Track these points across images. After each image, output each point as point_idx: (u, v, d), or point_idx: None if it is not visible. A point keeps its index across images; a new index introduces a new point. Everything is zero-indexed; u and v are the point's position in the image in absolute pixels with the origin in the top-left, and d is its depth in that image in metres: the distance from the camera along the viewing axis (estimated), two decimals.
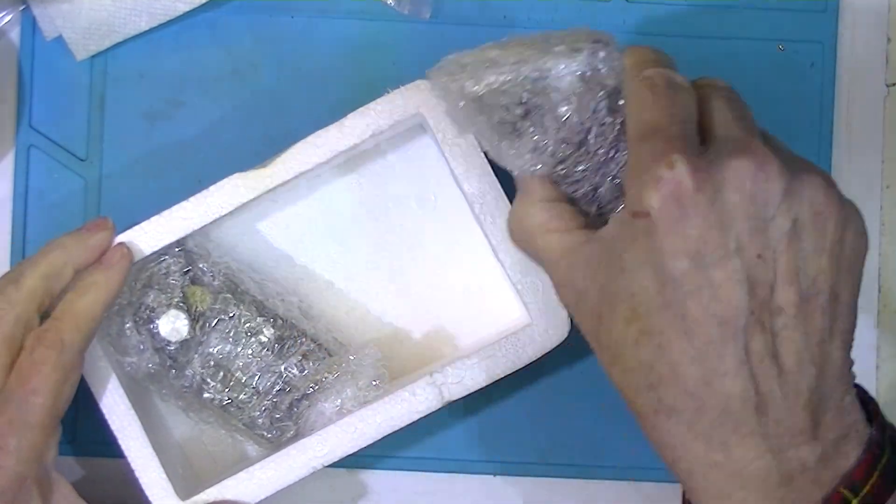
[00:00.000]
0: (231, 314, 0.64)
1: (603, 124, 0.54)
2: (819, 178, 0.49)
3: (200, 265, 0.64)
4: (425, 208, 0.69)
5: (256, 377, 0.64)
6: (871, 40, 0.72)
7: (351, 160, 0.68)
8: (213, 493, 0.63)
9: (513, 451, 0.71)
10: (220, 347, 0.63)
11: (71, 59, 0.69)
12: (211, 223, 0.63)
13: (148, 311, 0.63)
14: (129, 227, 0.63)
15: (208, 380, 0.63)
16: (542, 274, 0.63)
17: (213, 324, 0.63)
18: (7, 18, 0.70)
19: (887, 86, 0.72)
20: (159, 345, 0.63)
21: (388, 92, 0.64)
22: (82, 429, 0.70)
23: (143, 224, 0.63)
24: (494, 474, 0.72)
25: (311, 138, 0.63)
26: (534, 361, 0.64)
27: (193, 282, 0.64)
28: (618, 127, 0.54)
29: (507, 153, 0.56)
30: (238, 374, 0.63)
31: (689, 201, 0.47)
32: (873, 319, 0.72)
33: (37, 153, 0.70)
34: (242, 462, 0.68)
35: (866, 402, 0.52)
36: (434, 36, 0.71)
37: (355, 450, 0.63)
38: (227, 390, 0.63)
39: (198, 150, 0.70)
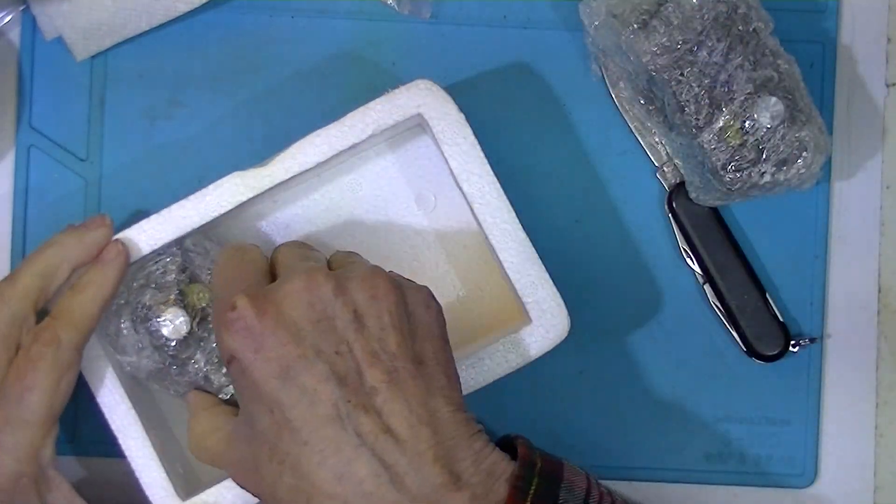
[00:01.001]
0: None
1: (718, 36, 0.63)
2: (362, 270, 0.55)
3: (198, 263, 0.64)
4: (425, 208, 0.69)
5: None
6: (871, 40, 0.72)
7: (351, 160, 0.68)
8: (213, 492, 0.63)
9: None
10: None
11: (71, 59, 0.69)
12: (210, 222, 0.63)
13: (145, 310, 0.62)
14: (129, 226, 0.63)
15: (211, 376, 0.63)
16: (543, 273, 0.64)
17: (211, 318, 0.63)
18: (7, 18, 0.70)
19: (887, 86, 0.72)
20: (158, 342, 0.62)
21: (389, 91, 0.64)
22: (82, 429, 0.70)
23: (143, 223, 0.63)
24: None
25: (310, 137, 0.63)
26: (534, 361, 0.64)
27: (192, 280, 0.64)
28: (730, 41, 0.63)
29: (637, 42, 0.64)
30: None
31: (257, 330, 0.52)
32: (873, 319, 0.72)
33: (37, 153, 0.70)
34: None
35: (513, 444, 0.55)
36: (434, 36, 0.71)
37: None
38: (231, 385, 0.63)
39: (198, 150, 0.71)
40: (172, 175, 0.70)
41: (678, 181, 0.70)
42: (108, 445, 0.64)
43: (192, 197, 0.63)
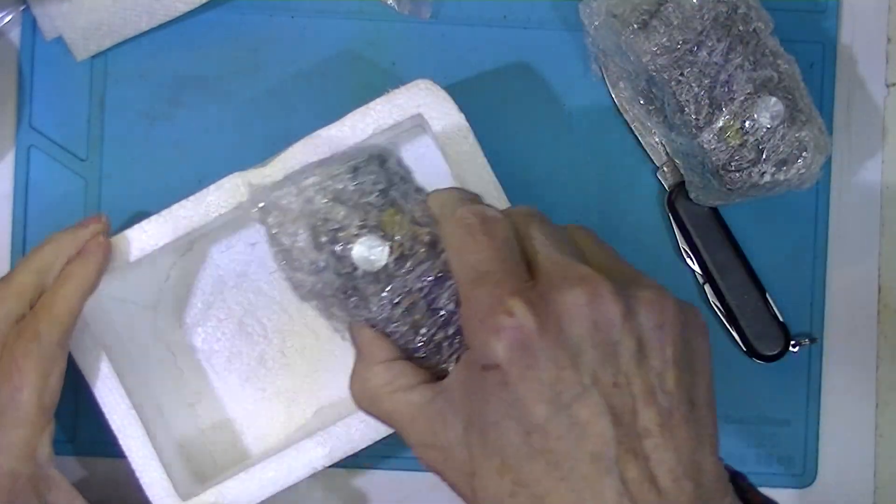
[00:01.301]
0: (437, 249, 0.54)
1: (718, 36, 0.63)
2: (650, 290, 0.48)
3: (402, 189, 0.55)
4: None
5: (454, 328, 0.54)
6: (871, 40, 0.72)
7: None
8: (213, 493, 0.63)
9: None
10: (419, 285, 0.54)
11: (71, 59, 0.70)
12: (211, 222, 0.63)
13: (334, 231, 0.54)
14: (129, 226, 0.63)
15: (393, 322, 0.55)
16: None
17: (413, 257, 0.54)
18: (7, 18, 0.70)
19: (887, 86, 0.72)
20: (344, 269, 0.54)
21: (389, 91, 0.64)
22: (82, 429, 0.70)
23: (143, 223, 0.63)
24: None
25: (310, 138, 0.63)
26: None
27: (392, 205, 0.55)
28: (730, 41, 0.63)
29: (637, 42, 0.64)
30: (428, 320, 0.55)
31: (536, 345, 0.46)
32: (873, 319, 0.72)
33: (37, 153, 0.70)
34: (243, 461, 0.68)
35: (743, 487, 0.51)
36: (434, 36, 0.71)
37: (355, 451, 0.63)
38: (417, 336, 0.54)
39: (198, 150, 0.71)
40: (172, 175, 0.70)
41: (678, 181, 0.70)
42: (108, 445, 0.64)
43: (192, 197, 0.63)
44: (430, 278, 0.54)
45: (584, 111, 0.71)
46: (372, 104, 0.63)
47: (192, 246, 0.68)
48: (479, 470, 0.48)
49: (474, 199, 0.53)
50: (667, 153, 0.70)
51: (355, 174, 0.54)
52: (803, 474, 0.72)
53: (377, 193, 0.54)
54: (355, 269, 0.53)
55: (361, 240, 0.53)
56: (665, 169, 0.70)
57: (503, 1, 0.71)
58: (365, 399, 0.53)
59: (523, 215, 0.51)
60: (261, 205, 0.55)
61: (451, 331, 0.54)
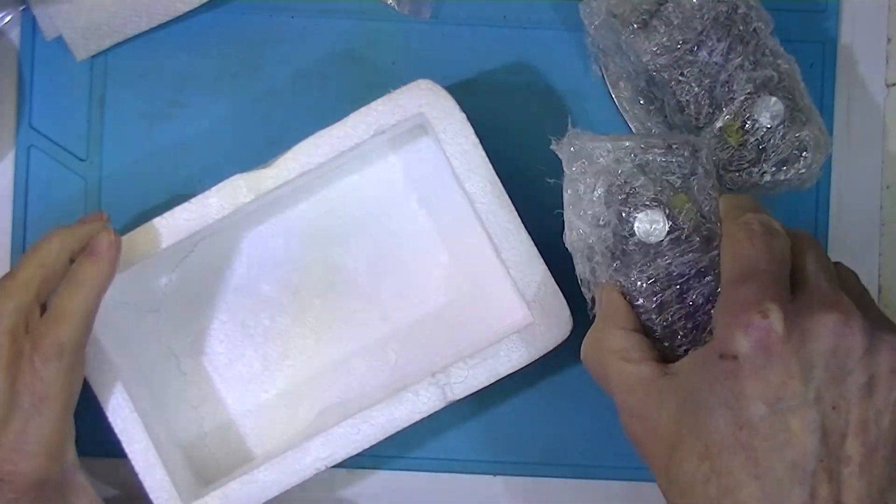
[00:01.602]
0: (711, 245, 0.57)
1: (718, 36, 0.63)
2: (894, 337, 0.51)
3: (701, 182, 0.58)
4: (427, 208, 0.69)
5: (694, 322, 0.57)
6: (871, 40, 0.73)
7: (353, 161, 0.68)
8: (217, 495, 0.63)
9: (513, 451, 0.71)
10: (680, 271, 0.57)
11: (71, 59, 0.69)
12: (213, 223, 0.63)
13: (627, 194, 0.57)
14: (130, 228, 0.63)
15: (643, 296, 0.57)
16: (545, 273, 0.64)
17: (687, 243, 0.57)
18: (7, 18, 0.70)
19: (887, 86, 0.73)
20: (622, 232, 0.57)
21: (390, 91, 0.64)
22: (82, 428, 0.70)
23: (145, 226, 0.63)
24: (495, 474, 0.72)
25: (312, 138, 0.63)
26: (535, 360, 0.64)
27: (686, 189, 0.58)
28: (730, 41, 0.63)
29: (637, 41, 0.64)
30: (675, 306, 0.57)
31: (776, 349, 0.49)
32: None
33: (37, 153, 0.70)
34: (246, 464, 0.68)
35: None
36: (434, 36, 0.71)
37: (358, 451, 0.64)
38: (659, 317, 0.57)
39: (198, 150, 0.70)
40: (172, 175, 0.70)
41: None
42: (108, 445, 0.64)
43: (194, 199, 0.63)
44: (693, 269, 0.56)
45: (584, 111, 0.71)
46: (373, 104, 0.63)
47: (194, 248, 0.68)
48: (681, 448, 0.51)
49: (764, 211, 0.56)
50: None
51: (667, 151, 0.57)
52: None
53: (679, 176, 0.57)
54: (632, 235, 0.57)
55: (648, 211, 0.57)
56: None
57: (503, 1, 0.71)
58: (592, 356, 0.57)
59: (804, 239, 0.55)
60: (572, 149, 0.59)
61: (690, 324, 0.57)
